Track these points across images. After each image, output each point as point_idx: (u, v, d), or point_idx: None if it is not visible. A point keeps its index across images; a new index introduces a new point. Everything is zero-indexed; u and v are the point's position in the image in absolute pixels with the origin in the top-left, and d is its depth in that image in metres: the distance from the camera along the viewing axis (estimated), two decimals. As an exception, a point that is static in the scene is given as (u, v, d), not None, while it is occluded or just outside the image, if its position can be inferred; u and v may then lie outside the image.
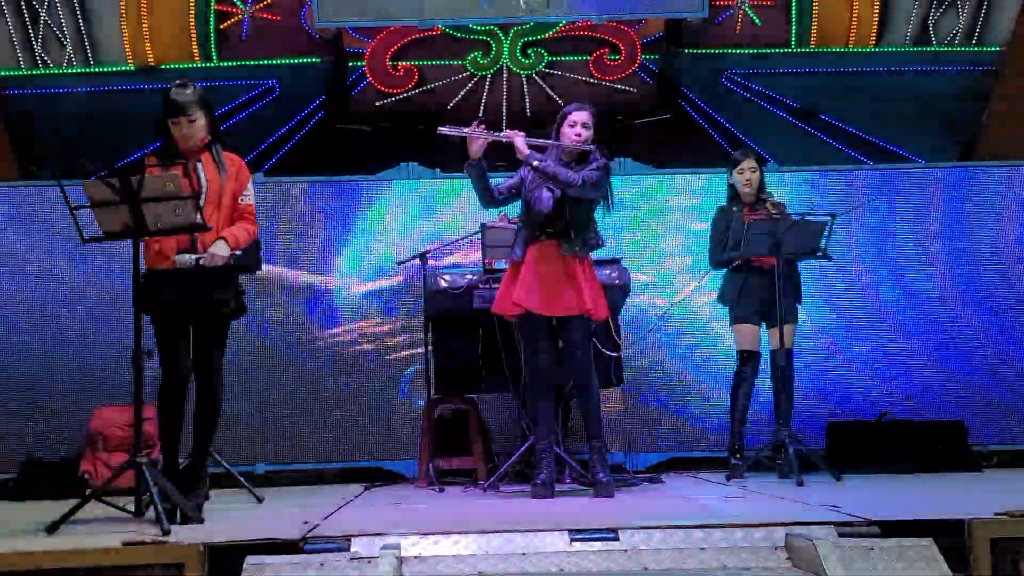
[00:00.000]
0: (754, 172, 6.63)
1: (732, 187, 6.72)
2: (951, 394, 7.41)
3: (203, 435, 4.99)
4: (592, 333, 5.75)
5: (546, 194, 5.50)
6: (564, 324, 5.53)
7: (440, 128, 5.41)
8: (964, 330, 7.48)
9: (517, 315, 5.58)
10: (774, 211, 6.36)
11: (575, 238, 5.47)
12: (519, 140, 5.43)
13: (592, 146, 5.52)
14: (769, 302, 6.52)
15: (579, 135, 5.51)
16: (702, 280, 7.18)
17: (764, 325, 6.64)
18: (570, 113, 5.57)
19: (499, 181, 5.67)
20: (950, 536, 3.79)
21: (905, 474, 6.55)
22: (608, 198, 5.65)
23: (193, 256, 4.71)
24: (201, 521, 4.58)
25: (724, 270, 6.74)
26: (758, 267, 6.56)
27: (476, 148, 5.40)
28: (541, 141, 5.56)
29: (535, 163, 5.41)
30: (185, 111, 4.74)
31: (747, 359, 6.65)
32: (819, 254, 6.40)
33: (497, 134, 5.43)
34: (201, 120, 4.78)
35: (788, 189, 7.46)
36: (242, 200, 4.90)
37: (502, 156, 6.09)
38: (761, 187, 6.65)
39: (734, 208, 6.65)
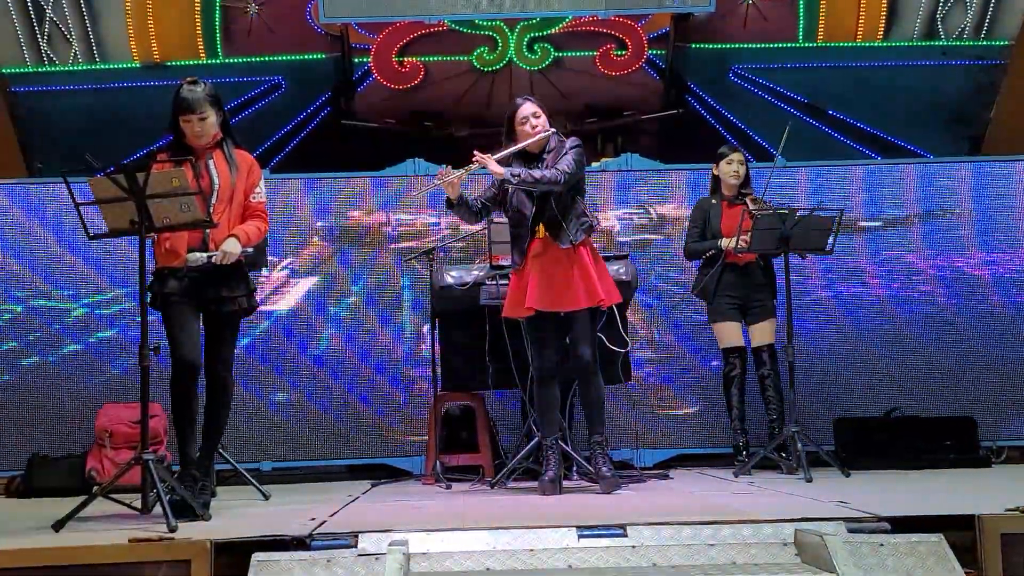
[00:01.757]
0: (742, 165, 6.67)
1: (716, 179, 6.73)
2: (961, 389, 7.38)
3: (212, 432, 4.98)
4: (599, 328, 5.74)
5: (524, 193, 5.50)
6: (571, 316, 5.51)
7: (415, 191, 5.44)
8: (973, 324, 7.45)
9: (528, 317, 5.55)
10: (754, 207, 6.36)
11: (567, 228, 5.44)
12: (491, 164, 5.37)
13: (552, 129, 5.52)
14: (745, 298, 6.54)
15: (535, 127, 5.49)
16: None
17: (744, 321, 6.65)
18: (515, 111, 5.54)
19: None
20: (960, 532, 3.77)
21: (914, 470, 6.53)
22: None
23: (205, 254, 4.69)
24: (208, 518, 4.57)
25: (698, 261, 6.79)
26: (733, 263, 6.56)
27: (454, 189, 5.42)
28: (509, 151, 5.49)
29: (515, 181, 5.35)
30: (196, 109, 4.72)
31: (732, 355, 6.65)
32: (828, 250, 6.37)
33: (468, 167, 5.40)
34: (212, 117, 4.76)
35: (795, 184, 7.45)
36: (253, 198, 4.88)
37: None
38: (745, 183, 6.66)
39: (713, 200, 6.68)
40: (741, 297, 6.61)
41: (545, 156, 5.50)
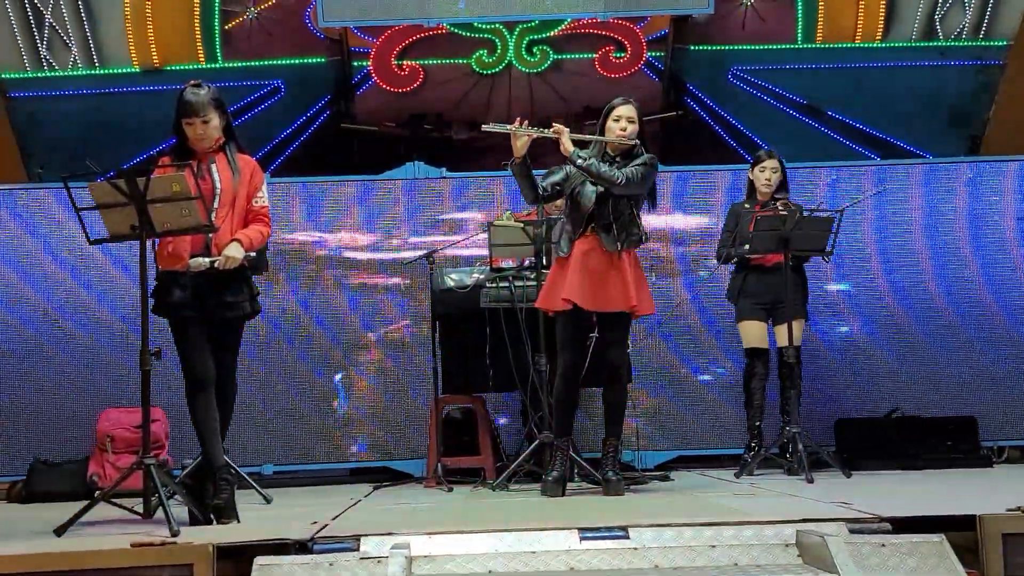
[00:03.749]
0: (775, 172, 6.63)
1: (751, 183, 6.71)
2: (962, 389, 7.38)
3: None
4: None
5: (589, 188, 5.46)
6: (606, 319, 5.50)
7: (484, 125, 5.40)
8: (974, 325, 7.45)
9: (563, 311, 5.49)
10: (783, 211, 6.35)
11: (618, 234, 5.44)
12: (565, 137, 5.36)
13: (636, 141, 5.48)
14: (773, 299, 6.52)
15: (624, 130, 5.47)
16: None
17: (771, 322, 6.63)
18: (616, 107, 5.51)
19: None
20: (962, 532, 3.77)
21: (915, 470, 6.54)
22: (653, 194, 5.64)
23: (208, 259, 4.68)
24: (209, 522, 4.58)
25: (732, 265, 6.75)
26: (759, 265, 6.55)
27: (520, 145, 5.35)
28: (586, 137, 5.50)
29: (579, 162, 5.35)
30: (199, 112, 4.71)
31: (755, 356, 6.63)
32: (827, 252, 6.37)
33: (543, 130, 5.37)
34: (215, 121, 4.75)
35: (795, 186, 7.45)
36: (256, 202, 4.87)
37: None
38: (781, 188, 6.65)
39: (746, 205, 6.66)
40: (767, 298, 6.57)
41: (618, 160, 5.47)
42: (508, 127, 5.34)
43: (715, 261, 6.92)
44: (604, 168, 5.36)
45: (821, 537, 3.66)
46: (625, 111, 5.49)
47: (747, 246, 6.41)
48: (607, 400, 5.63)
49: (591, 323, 5.59)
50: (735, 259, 6.62)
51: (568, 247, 5.50)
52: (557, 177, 5.57)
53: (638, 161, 5.44)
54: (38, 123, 9.25)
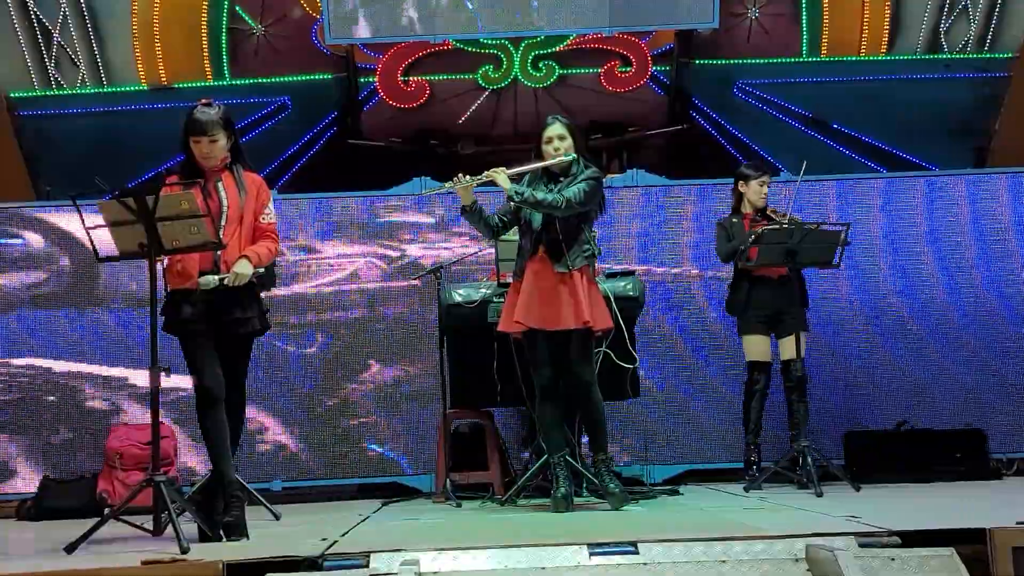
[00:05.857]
0: (768, 185, 6.69)
1: (739, 197, 6.72)
2: (970, 402, 7.37)
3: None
4: (606, 345, 5.75)
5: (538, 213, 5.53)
6: (564, 338, 5.52)
7: (421, 192, 5.50)
8: (982, 336, 7.44)
9: (521, 332, 5.58)
10: (776, 218, 6.38)
11: (567, 253, 5.46)
12: (500, 177, 5.44)
13: (572, 155, 5.51)
14: (776, 311, 6.53)
15: (556, 149, 5.52)
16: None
17: (774, 335, 6.64)
18: (544, 130, 5.59)
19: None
20: (972, 545, 3.76)
21: (924, 483, 6.52)
22: (601, 203, 5.65)
23: (217, 277, 4.70)
24: (219, 539, 4.58)
25: (734, 277, 6.77)
26: (762, 276, 6.56)
27: (467, 195, 5.47)
28: (524, 168, 5.56)
29: (517, 198, 5.42)
30: (206, 131, 4.74)
31: (758, 370, 6.64)
32: (835, 263, 6.38)
33: (478, 176, 5.44)
34: (223, 140, 4.78)
35: (801, 198, 7.46)
36: (263, 219, 4.90)
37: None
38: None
39: (735, 220, 6.70)
40: (771, 311, 6.58)
41: (562, 179, 5.52)
42: (446, 186, 5.48)
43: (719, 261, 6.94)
44: (542, 196, 5.41)
45: (831, 551, 3.65)
46: (553, 131, 5.54)
47: (751, 261, 6.44)
48: (583, 419, 5.66)
49: (556, 342, 5.56)
50: (742, 257, 6.59)
51: (520, 271, 5.56)
52: (506, 207, 5.65)
53: (581, 178, 5.47)
54: (46, 141, 9.29)
